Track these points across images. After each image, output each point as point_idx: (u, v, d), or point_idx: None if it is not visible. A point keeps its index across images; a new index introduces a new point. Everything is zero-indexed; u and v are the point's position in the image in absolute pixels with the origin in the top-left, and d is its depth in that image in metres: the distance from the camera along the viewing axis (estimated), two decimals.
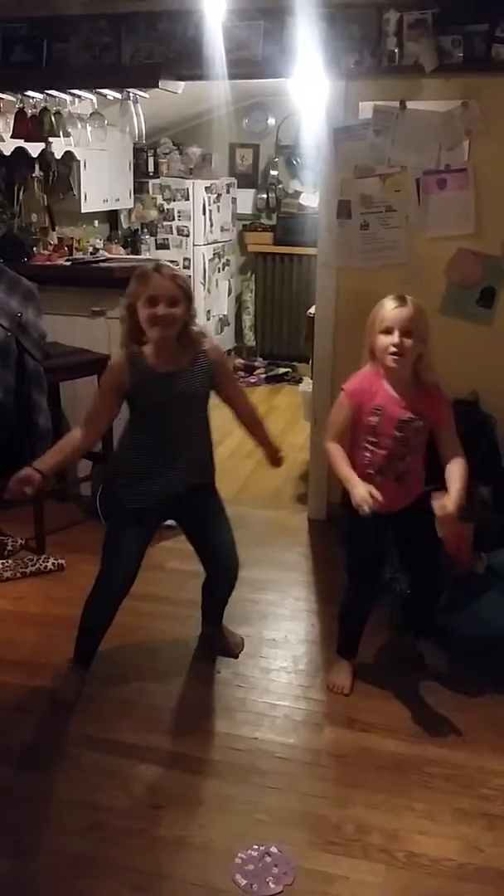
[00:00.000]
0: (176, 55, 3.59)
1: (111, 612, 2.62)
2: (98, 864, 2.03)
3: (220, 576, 2.78)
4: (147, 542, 2.62)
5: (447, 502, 2.34)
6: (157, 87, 3.74)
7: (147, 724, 2.54)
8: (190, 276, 6.62)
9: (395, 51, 3.32)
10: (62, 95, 4.11)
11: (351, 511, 2.42)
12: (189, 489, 2.56)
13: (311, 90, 3.88)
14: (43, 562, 3.50)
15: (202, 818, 2.19)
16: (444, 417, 2.49)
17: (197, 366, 2.47)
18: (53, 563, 3.50)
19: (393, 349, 2.36)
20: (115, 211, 6.54)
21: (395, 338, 2.35)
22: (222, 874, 2.00)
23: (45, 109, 4.20)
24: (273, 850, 2.08)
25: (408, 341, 2.36)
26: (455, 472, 2.44)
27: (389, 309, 2.38)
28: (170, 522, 2.77)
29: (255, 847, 2.08)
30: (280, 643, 3.00)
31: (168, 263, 2.43)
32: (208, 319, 6.90)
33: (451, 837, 2.13)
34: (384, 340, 2.38)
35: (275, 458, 2.75)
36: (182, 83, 3.88)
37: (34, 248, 4.74)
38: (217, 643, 2.93)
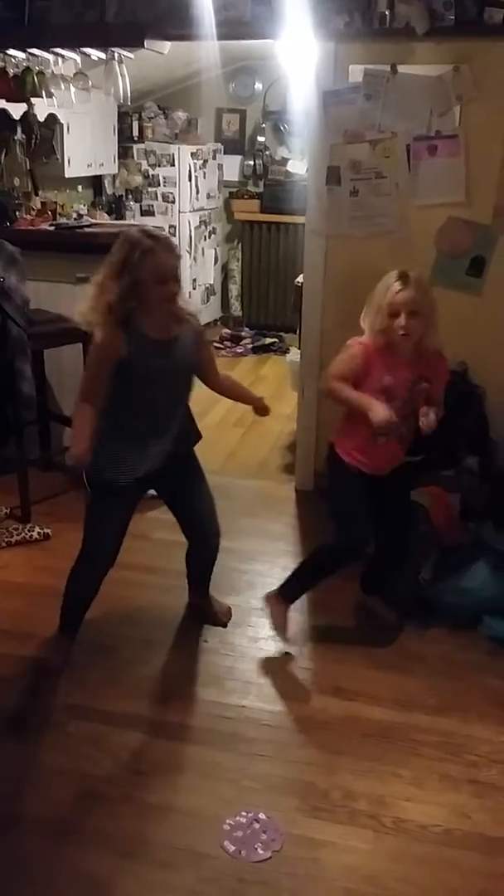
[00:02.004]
0: (162, 14, 3.49)
1: (95, 585, 2.60)
2: (85, 832, 2.04)
3: (203, 543, 2.77)
4: (131, 514, 2.59)
5: (430, 414, 2.46)
6: (143, 46, 3.64)
7: (134, 693, 2.54)
8: (176, 245, 6.53)
9: (386, 13, 3.24)
10: (45, 55, 3.99)
11: (344, 472, 2.56)
12: (172, 459, 2.53)
13: (299, 53, 3.80)
14: (28, 531, 3.48)
15: (190, 785, 2.20)
16: (443, 382, 2.59)
17: (185, 335, 2.44)
18: (39, 533, 3.48)
19: (402, 331, 2.43)
20: (100, 176, 6.42)
21: (402, 321, 2.43)
22: (210, 841, 2.02)
23: (27, 69, 4.09)
24: (261, 816, 2.09)
25: (414, 323, 2.43)
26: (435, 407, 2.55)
27: (395, 292, 2.44)
28: (151, 492, 2.75)
29: (244, 813, 2.09)
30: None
31: (165, 234, 2.39)
32: (194, 289, 6.83)
33: (438, 804, 2.15)
34: (393, 322, 2.44)
35: (262, 408, 2.74)
36: (168, 43, 3.79)
37: (17, 213, 4.64)
38: (204, 612, 2.93)
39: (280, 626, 2.79)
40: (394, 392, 2.50)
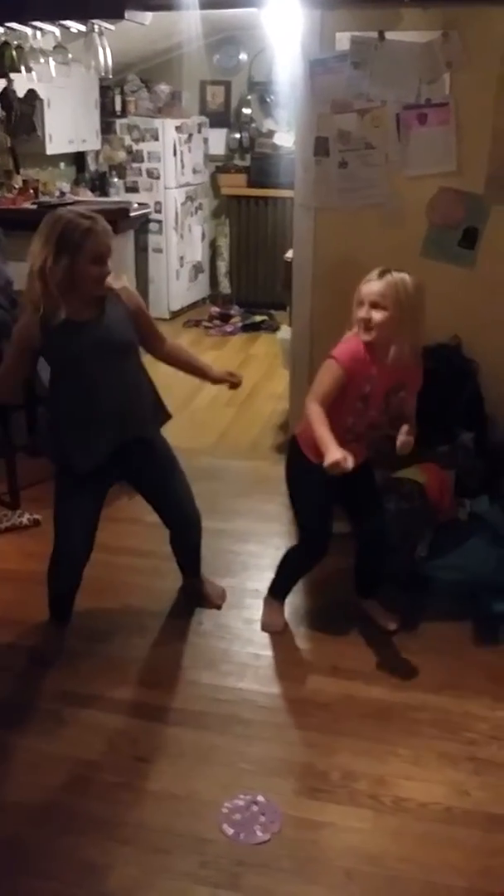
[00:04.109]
0: None
1: (76, 577, 2.57)
2: (83, 819, 2.02)
3: (182, 532, 2.75)
4: (100, 502, 2.53)
5: (405, 436, 2.41)
6: (124, 18, 3.54)
7: (129, 678, 2.52)
8: (161, 221, 6.44)
9: None
10: (23, 28, 3.90)
11: (306, 470, 2.47)
12: (132, 444, 2.46)
13: (284, 22, 3.71)
14: (18, 517, 3.44)
15: (187, 770, 2.18)
16: (417, 387, 2.51)
17: (113, 311, 2.35)
18: (28, 519, 3.44)
19: (362, 322, 2.38)
20: (82, 153, 6.31)
21: (363, 311, 2.37)
22: (209, 824, 2.00)
23: (5, 43, 4.00)
24: (259, 798, 2.08)
25: (376, 315, 2.34)
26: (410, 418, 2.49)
27: (366, 281, 2.39)
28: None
29: (242, 796, 2.08)
30: (262, 594, 2.95)
31: (89, 212, 2.27)
32: (181, 266, 6.75)
33: (437, 782, 2.14)
34: (358, 312, 2.39)
35: (232, 381, 2.66)
36: (150, 14, 3.69)
37: None
38: (198, 595, 2.90)
39: (268, 623, 2.78)
40: (370, 400, 2.43)
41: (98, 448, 2.40)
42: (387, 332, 2.35)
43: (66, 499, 2.49)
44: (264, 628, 2.78)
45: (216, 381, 2.66)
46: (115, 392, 2.38)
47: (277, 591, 2.82)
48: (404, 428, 2.43)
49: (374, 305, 2.34)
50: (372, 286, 2.36)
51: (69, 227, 2.19)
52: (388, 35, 3.26)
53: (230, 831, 1.99)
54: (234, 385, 2.69)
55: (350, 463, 2.25)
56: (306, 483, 2.57)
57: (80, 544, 2.51)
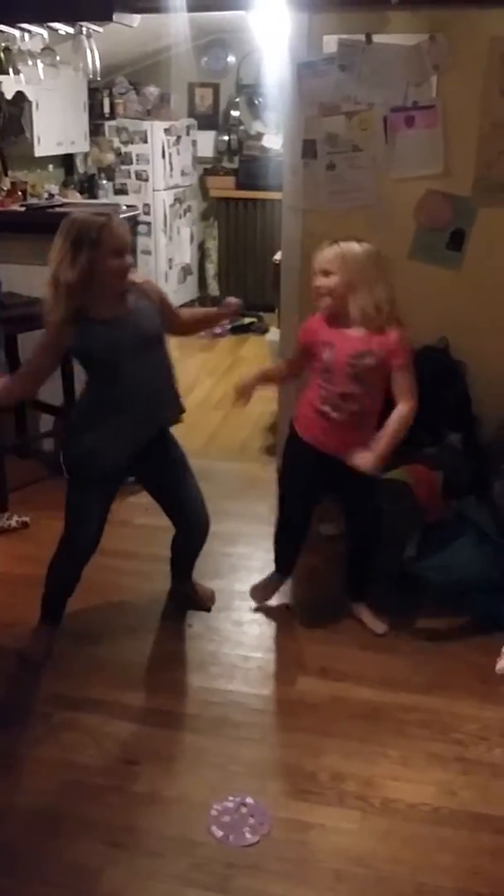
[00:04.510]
0: None
1: (77, 574, 2.57)
2: (73, 822, 2.02)
3: (191, 531, 2.74)
4: (111, 501, 2.55)
5: (363, 460, 2.42)
6: (112, 19, 3.54)
7: (119, 681, 2.52)
8: (150, 223, 6.43)
9: None
10: (10, 30, 3.88)
11: (295, 445, 2.61)
12: (150, 443, 2.49)
13: (272, 25, 3.72)
14: (6, 520, 3.43)
15: (177, 772, 2.18)
16: (396, 356, 2.44)
17: (140, 306, 2.39)
18: (17, 521, 3.42)
19: (314, 290, 2.47)
20: (71, 155, 6.30)
21: (315, 279, 2.46)
22: (199, 827, 2.00)
23: None
24: (249, 800, 2.08)
25: (325, 280, 2.42)
26: (391, 421, 2.45)
27: (318, 251, 2.48)
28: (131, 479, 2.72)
29: (231, 798, 2.08)
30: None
31: (109, 213, 2.35)
32: (170, 268, 6.74)
33: (425, 782, 2.15)
34: (313, 281, 2.49)
35: (232, 311, 2.76)
36: (138, 16, 3.69)
37: None
38: (188, 597, 2.90)
39: (259, 592, 2.90)
40: (332, 368, 2.46)
41: (122, 449, 2.43)
42: (338, 296, 2.43)
43: (82, 497, 2.49)
44: (250, 594, 2.92)
45: (223, 316, 2.80)
46: (147, 383, 2.41)
47: (276, 562, 2.92)
48: (378, 439, 2.43)
49: (325, 273, 2.43)
50: (319, 255, 2.46)
51: (84, 226, 2.23)
52: (376, 38, 3.29)
53: (219, 833, 1.99)
54: (234, 312, 2.77)
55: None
56: (292, 459, 2.71)
57: (91, 541, 2.52)
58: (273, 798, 2.09)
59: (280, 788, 2.13)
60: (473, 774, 2.18)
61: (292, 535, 2.84)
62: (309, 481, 2.68)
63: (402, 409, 2.44)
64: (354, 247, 2.44)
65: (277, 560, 2.91)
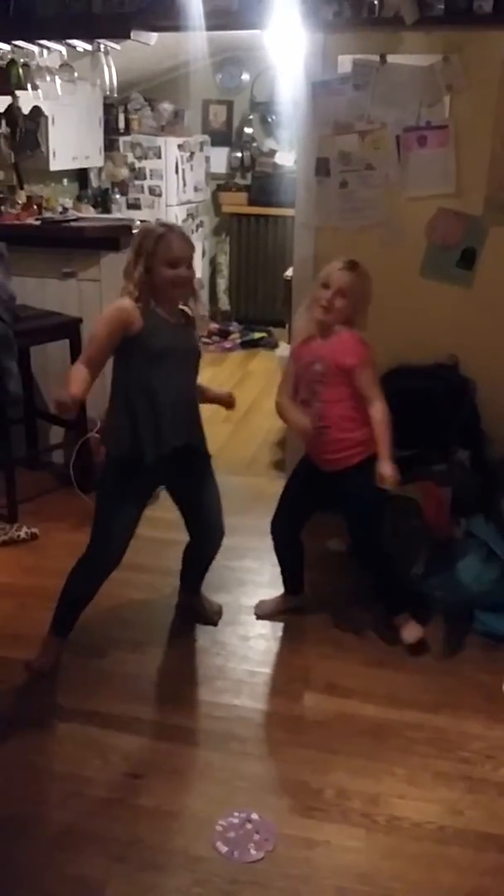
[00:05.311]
0: (148, 5, 3.44)
1: (97, 586, 2.57)
2: (77, 836, 2.01)
3: (207, 540, 2.76)
4: (141, 512, 2.56)
5: (383, 471, 2.48)
6: (129, 38, 3.59)
7: (125, 694, 2.52)
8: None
9: (375, 2, 3.20)
10: (30, 47, 3.94)
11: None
12: (186, 448, 2.54)
13: (287, 43, 3.76)
14: (15, 531, 3.43)
15: (182, 786, 2.18)
16: (350, 360, 2.54)
17: (191, 324, 2.53)
18: (26, 533, 3.43)
19: (324, 303, 2.53)
20: (85, 169, 6.35)
21: (328, 293, 2.51)
22: (203, 842, 1.99)
23: (12, 61, 4.04)
24: (254, 816, 2.07)
25: (338, 301, 2.51)
26: (377, 428, 2.54)
27: (336, 269, 2.54)
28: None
29: (236, 814, 2.07)
30: None
31: (176, 224, 2.50)
32: None
33: (431, 801, 2.14)
34: (319, 293, 2.55)
35: (229, 401, 2.79)
36: (154, 34, 3.74)
37: (2, 207, 4.58)
38: (195, 611, 2.90)
39: (265, 609, 2.92)
40: (300, 375, 2.62)
41: (168, 439, 2.46)
42: (340, 317, 2.53)
43: (113, 508, 2.51)
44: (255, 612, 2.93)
45: (212, 400, 2.75)
46: (182, 391, 2.51)
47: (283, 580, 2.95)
48: (382, 460, 2.51)
49: (340, 293, 2.50)
50: (344, 276, 2.52)
51: (147, 234, 2.39)
52: (390, 58, 3.32)
53: (224, 849, 1.98)
54: (229, 405, 2.80)
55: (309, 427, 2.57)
56: (294, 472, 2.84)
57: (118, 551, 2.52)
58: (278, 814, 2.09)
59: (285, 805, 2.12)
60: (480, 793, 2.17)
61: (276, 545, 2.87)
62: (297, 492, 2.80)
63: (380, 410, 2.55)
64: (369, 278, 2.56)
65: (282, 575, 2.94)
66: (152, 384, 2.43)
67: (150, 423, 2.44)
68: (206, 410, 4.72)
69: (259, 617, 2.91)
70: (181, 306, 2.49)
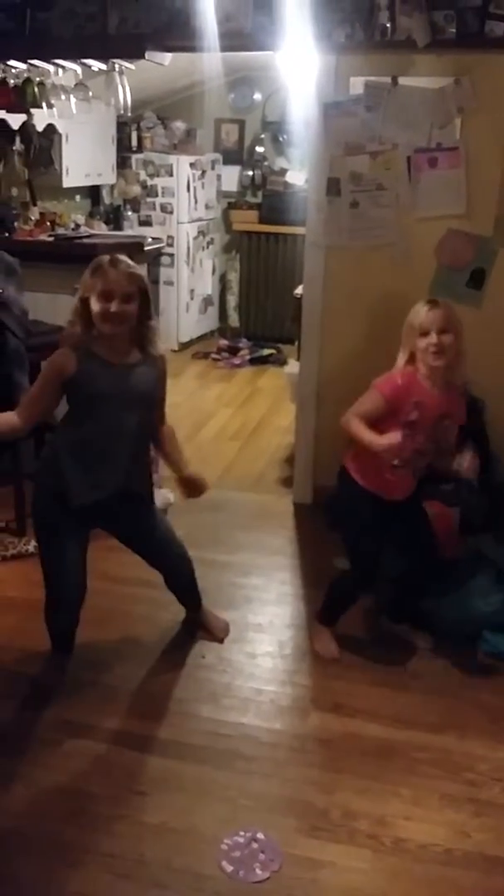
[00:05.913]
0: (163, 26, 3.48)
1: (74, 617, 2.57)
2: (81, 852, 2.00)
3: (173, 573, 2.77)
4: (85, 546, 2.53)
5: (466, 465, 2.62)
6: (144, 58, 3.64)
7: (130, 710, 2.51)
8: (173, 255, 6.53)
9: (388, 25, 3.23)
10: (45, 66, 3.99)
11: (358, 496, 2.57)
12: (125, 498, 2.46)
13: (299, 64, 3.80)
14: (23, 545, 3.45)
15: (187, 804, 2.16)
16: (460, 419, 2.64)
17: (146, 366, 2.41)
18: (34, 547, 3.43)
19: (433, 348, 2.45)
20: (97, 186, 6.42)
21: (433, 338, 2.45)
22: (208, 861, 1.98)
23: (27, 80, 4.09)
24: (259, 836, 2.06)
25: (446, 338, 2.45)
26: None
27: (424, 312, 2.48)
28: None
29: (242, 833, 2.06)
30: (265, 627, 2.97)
31: (125, 258, 2.34)
32: (192, 299, 6.83)
33: (437, 823, 2.12)
34: (423, 342, 2.47)
35: (194, 487, 2.62)
36: (169, 55, 3.78)
37: (15, 224, 4.63)
38: (201, 628, 2.90)
39: (325, 650, 2.81)
40: (417, 426, 2.50)
41: (103, 485, 2.40)
42: (454, 353, 2.48)
43: (54, 543, 2.48)
44: (322, 654, 2.79)
45: (183, 480, 2.63)
46: (127, 441, 2.41)
47: (327, 619, 2.84)
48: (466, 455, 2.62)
49: (443, 331, 2.45)
50: (435, 314, 2.47)
51: (91, 265, 2.31)
52: (402, 80, 3.35)
53: (229, 868, 1.97)
54: (193, 494, 2.64)
55: (398, 438, 2.40)
56: (359, 508, 2.64)
57: (74, 587, 2.51)
58: (284, 834, 2.07)
59: (291, 824, 2.11)
60: (486, 816, 2.15)
61: (361, 591, 2.78)
62: (380, 524, 2.65)
63: None
64: (452, 306, 2.53)
65: (330, 614, 2.83)
66: (84, 428, 2.38)
67: (79, 469, 2.38)
68: (213, 428, 4.76)
69: (329, 658, 2.81)
70: (149, 345, 2.40)
